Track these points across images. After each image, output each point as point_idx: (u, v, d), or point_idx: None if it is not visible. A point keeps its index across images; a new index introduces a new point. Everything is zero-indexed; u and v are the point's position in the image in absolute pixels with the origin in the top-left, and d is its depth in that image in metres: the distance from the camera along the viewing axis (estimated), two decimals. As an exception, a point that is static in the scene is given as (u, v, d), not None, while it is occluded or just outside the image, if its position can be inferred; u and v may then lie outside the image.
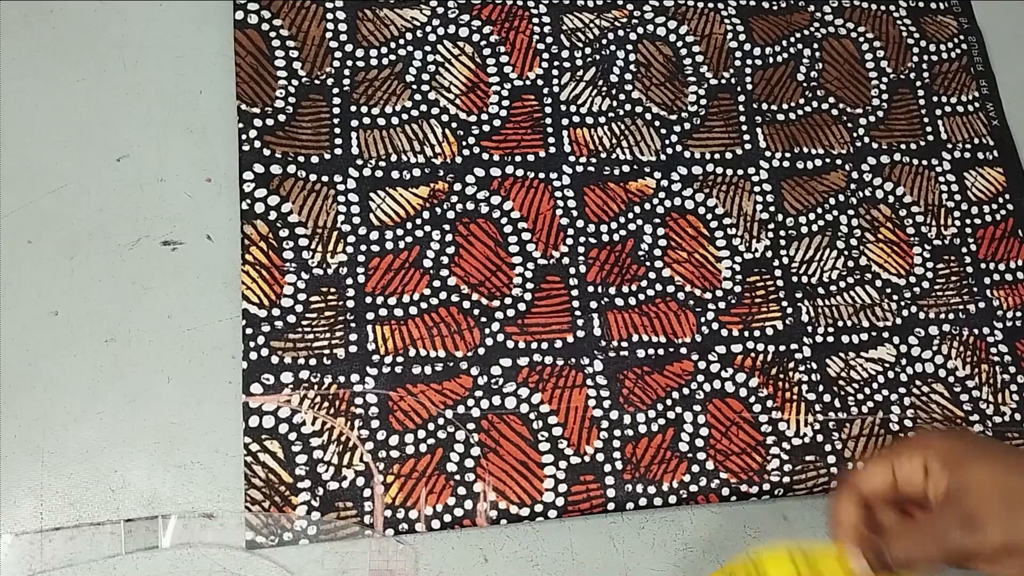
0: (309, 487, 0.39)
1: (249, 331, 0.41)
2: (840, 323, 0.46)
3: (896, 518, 0.34)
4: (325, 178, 0.44)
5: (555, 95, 0.48)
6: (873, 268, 0.48)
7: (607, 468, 0.41)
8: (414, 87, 0.46)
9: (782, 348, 0.45)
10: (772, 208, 0.48)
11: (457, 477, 0.40)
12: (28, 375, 0.39)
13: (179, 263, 0.42)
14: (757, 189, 0.48)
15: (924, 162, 0.51)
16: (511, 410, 0.42)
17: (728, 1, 0.52)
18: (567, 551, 0.41)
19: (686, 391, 0.43)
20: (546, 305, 0.44)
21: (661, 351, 0.44)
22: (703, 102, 0.49)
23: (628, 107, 0.48)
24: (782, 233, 0.47)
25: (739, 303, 0.46)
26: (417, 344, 0.42)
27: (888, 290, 0.47)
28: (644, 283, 0.45)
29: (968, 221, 0.50)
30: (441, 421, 0.41)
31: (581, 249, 0.45)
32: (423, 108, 0.46)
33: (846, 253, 0.48)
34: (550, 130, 0.47)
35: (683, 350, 0.44)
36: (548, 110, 0.47)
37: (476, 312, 0.43)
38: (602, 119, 0.48)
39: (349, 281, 0.42)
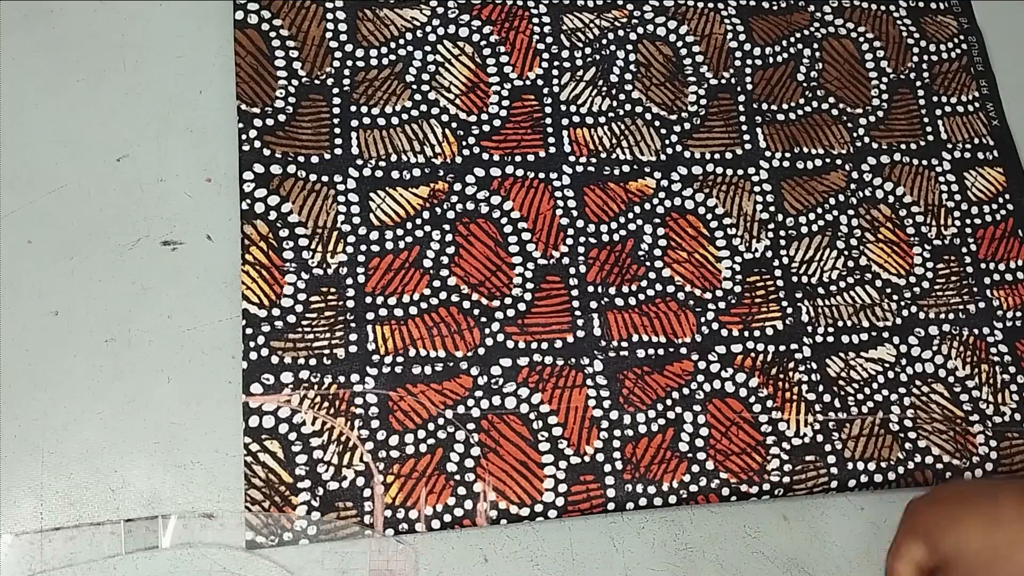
0: (309, 487, 0.39)
1: (249, 331, 0.41)
2: (840, 323, 0.46)
3: None
4: (325, 178, 0.44)
5: (555, 95, 0.48)
6: (873, 268, 0.48)
7: (607, 468, 0.41)
8: (414, 87, 0.46)
9: (782, 348, 0.45)
10: (772, 208, 0.48)
11: (457, 477, 0.40)
12: (28, 375, 0.39)
13: (179, 263, 0.42)
14: (757, 189, 0.48)
15: (924, 162, 0.51)
16: (511, 410, 0.42)
17: (728, 1, 0.52)
18: (567, 551, 0.41)
19: (686, 391, 0.43)
20: (546, 305, 0.44)
21: (661, 351, 0.44)
22: (703, 102, 0.49)
23: (628, 107, 0.48)
24: (782, 233, 0.47)
25: (739, 303, 0.46)
26: (417, 344, 0.42)
27: (888, 290, 0.47)
28: (644, 283, 0.45)
29: (968, 221, 0.50)
30: (441, 421, 0.41)
31: (581, 249, 0.45)
32: (423, 108, 0.46)
33: (846, 253, 0.48)
34: (550, 130, 0.47)
35: (683, 350, 0.44)
36: (548, 110, 0.47)
37: (476, 312, 0.43)
38: (602, 119, 0.48)
39: (349, 281, 0.42)
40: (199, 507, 0.39)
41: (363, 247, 0.43)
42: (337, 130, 0.45)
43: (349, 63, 0.46)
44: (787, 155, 0.49)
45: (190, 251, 0.42)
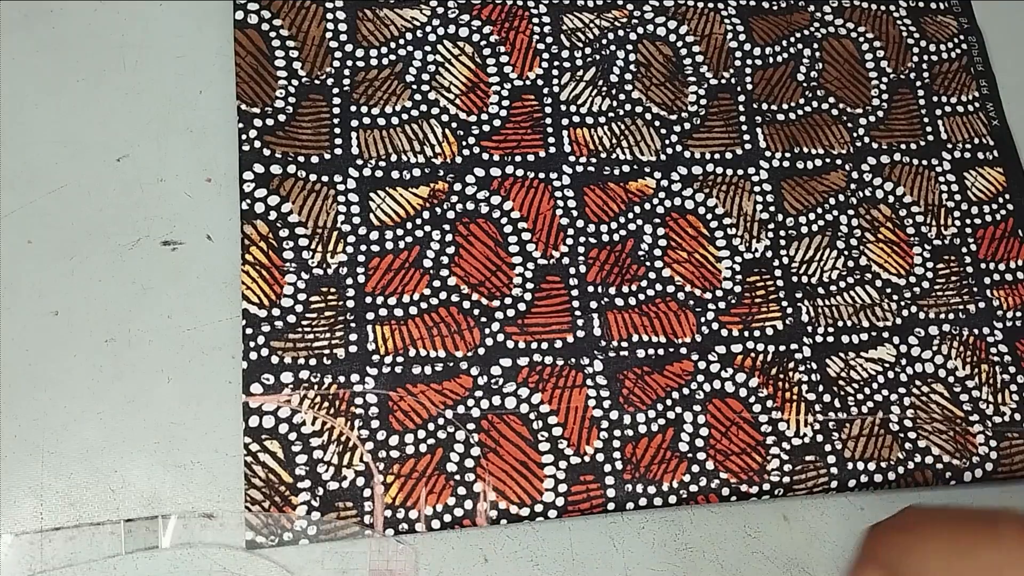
0: (309, 487, 0.39)
1: (249, 331, 0.41)
2: (840, 323, 0.46)
3: None
4: (325, 178, 0.44)
5: (555, 95, 0.48)
6: (873, 268, 0.48)
7: (607, 468, 0.41)
8: (414, 87, 0.46)
9: (782, 348, 0.45)
10: (772, 208, 0.48)
11: (457, 477, 0.40)
12: (28, 375, 0.39)
13: (179, 263, 0.42)
14: (757, 189, 0.48)
15: (924, 162, 0.51)
16: (511, 410, 0.42)
17: (728, 1, 0.52)
18: (567, 551, 0.41)
19: (686, 391, 0.43)
20: (546, 305, 0.44)
21: (661, 351, 0.44)
22: (703, 102, 0.49)
23: (628, 107, 0.48)
24: (782, 233, 0.47)
25: (739, 303, 0.46)
26: (417, 344, 0.42)
27: (888, 290, 0.47)
28: (644, 283, 0.45)
29: (968, 221, 0.50)
30: (441, 421, 0.41)
31: (581, 249, 0.45)
32: (423, 108, 0.46)
33: (846, 253, 0.48)
34: (550, 130, 0.47)
35: (683, 350, 0.44)
36: (548, 110, 0.47)
37: (476, 312, 0.43)
38: (602, 119, 0.48)
39: (349, 281, 0.42)
40: (199, 507, 0.39)
41: (363, 247, 0.43)
42: (337, 130, 0.45)
43: (349, 63, 0.46)
44: (787, 155, 0.49)
45: (190, 251, 0.42)
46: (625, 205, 0.46)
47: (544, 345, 0.43)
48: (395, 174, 0.44)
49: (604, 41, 0.49)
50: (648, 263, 0.45)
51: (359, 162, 0.44)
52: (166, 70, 0.45)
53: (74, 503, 0.38)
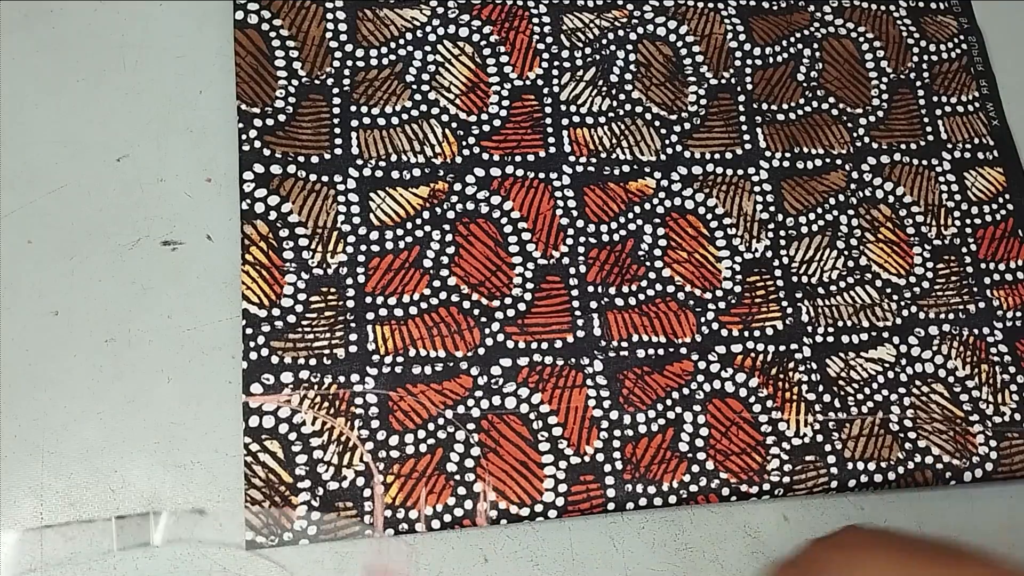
0: (309, 487, 0.39)
1: (249, 331, 0.41)
2: (840, 323, 0.46)
3: None
4: (325, 178, 0.44)
5: (555, 95, 0.48)
6: (873, 268, 0.48)
7: (607, 468, 0.41)
8: (414, 87, 0.46)
9: (782, 348, 0.45)
10: (772, 208, 0.48)
11: (457, 477, 0.40)
12: (28, 375, 0.39)
13: (179, 263, 0.42)
14: (757, 189, 0.48)
15: (924, 162, 0.51)
16: (511, 410, 0.42)
17: (728, 1, 0.52)
18: (567, 551, 0.41)
19: (686, 391, 0.43)
20: (546, 305, 0.44)
21: (661, 351, 0.44)
22: (703, 102, 0.49)
23: (628, 107, 0.48)
24: (782, 233, 0.47)
25: (739, 303, 0.46)
26: (417, 344, 0.42)
27: (888, 290, 0.47)
28: (644, 283, 0.45)
29: (968, 221, 0.50)
30: (441, 421, 0.41)
31: (581, 249, 0.45)
32: (423, 108, 0.46)
33: (846, 253, 0.48)
34: (550, 130, 0.47)
35: (683, 350, 0.44)
36: (548, 110, 0.47)
37: (476, 312, 0.43)
38: (602, 119, 0.48)
39: (349, 281, 0.42)
40: (199, 507, 0.39)
41: (363, 247, 0.43)
42: (337, 130, 0.45)
43: (349, 63, 0.46)
44: (787, 155, 0.49)
45: (190, 251, 0.42)
46: (625, 205, 0.46)
47: (544, 345, 0.43)
48: (395, 174, 0.44)
49: (604, 41, 0.49)
50: (648, 263, 0.45)
51: (359, 162, 0.44)
52: (166, 70, 0.45)
53: (74, 503, 0.38)
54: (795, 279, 0.47)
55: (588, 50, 0.49)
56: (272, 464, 0.39)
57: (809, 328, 0.46)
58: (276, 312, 0.41)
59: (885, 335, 0.46)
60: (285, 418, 0.40)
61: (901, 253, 0.48)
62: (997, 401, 0.46)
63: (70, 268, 0.41)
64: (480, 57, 0.47)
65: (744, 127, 0.49)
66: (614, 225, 0.46)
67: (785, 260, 0.47)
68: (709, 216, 0.47)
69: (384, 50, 0.46)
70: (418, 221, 0.44)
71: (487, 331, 0.43)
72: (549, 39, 0.49)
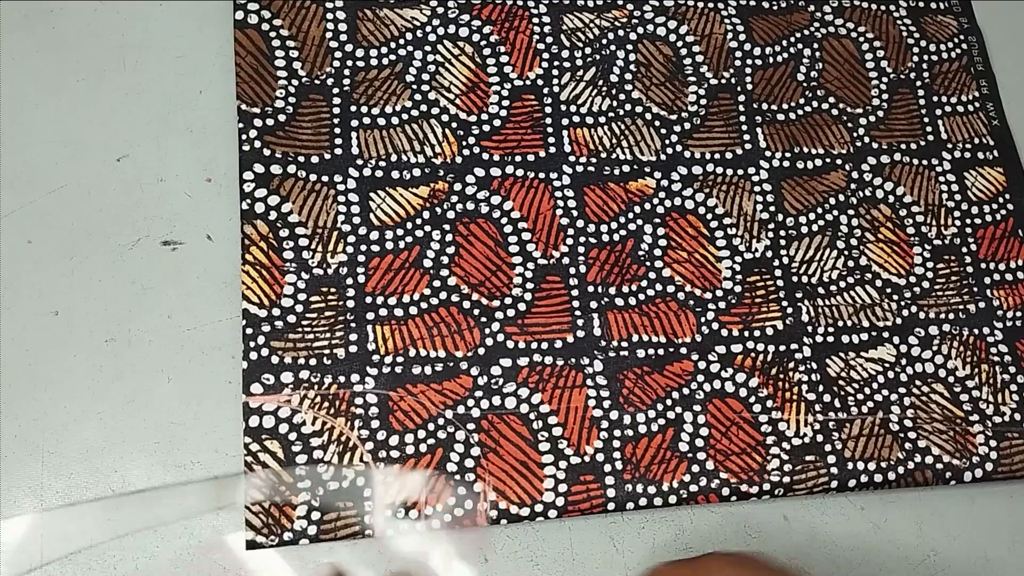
0: (309, 487, 0.39)
1: (249, 331, 0.41)
2: (840, 323, 0.46)
3: None
4: (325, 178, 0.44)
5: (555, 95, 0.48)
6: (873, 268, 0.48)
7: (607, 468, 0.41)
8: (414, 87, 0.46)
9: (782, 348, 0.45)
10: (772, 208, 0.48)
11: (457, 477, 0.40)
12: (28, 375, 0.39)
13: (179, 263, 0.42)
14: (757, 189, 0.48)
15: (924, 162, 0.51)
16: (511, 410, 0.42)
17: (728, 1, 0.52)
18: (567, 551, 0.41)
19: (686, 391, 0.43)
20: (546, 305, 0.44)
21: (661, 351, 0.44)
22: (703, 102, 0.49)
23: (628, 107, 0.48)
24: (782, 233, 0.47)
25: (739, 303, 0.46)
26: (417, 344, 0.42)
27: (888, 290, 0.47)
28: (644, 283, 0.45)
29: (968, 221, 0.50)
30: (441, 421, 0.41)
31: (581, 249, 0.45)
32: (423, 108, 0.46)
33: (846, 253, 0.48)
34: (550, 130, 0.47)
35: (683, 350, 0.44)
36: (548, 110, 0.47)
37: (476, 312, 0.43)
38: (602, 119, 0.48)
39: (349, 281, 0.42)
40: (198, 507, 0.39)
41: (363, 247, 0.43)
42: (337, 130, 0.44)
43: (349, 63, 0.46)
44: (787, 155, 0.49)
45: (190, 251, 0.42)
46: (625, 205, 0.46)
47: (544, 345, 0.43)
48: (395, 174, 0.44)
49: (604, 41, 0.49)
50: (648, 263, 0.45)
51: (359, 162, 0.44)
52: (166, 70, 0.45)
53: (74, 503, 0.38)
54: (795, 279, 0.47)
55: (588, 50, 0.49)
56: (272, 464, 0.39)
57: (809, 328, 0.46)
58: (276, 312, 0.41)
59: (885, 335, 0.46)
60: (285, 418, 0.40)
61: (901, 253, 0.48)
62: (997, 401, 0.46)
63: (70, 268, 0.41)
64: (480, 57, 0.47)
65: (744, 127, 0.49)
66: (614, 225, 0.46)
67: (785, 260, 0.47)
68: (709, 216, 0.47)
69: (384, 50, 0.46)
70: (418, 221, 0.44)
71: (487, 331, 0.43)
72: (549, 39, 0.49)
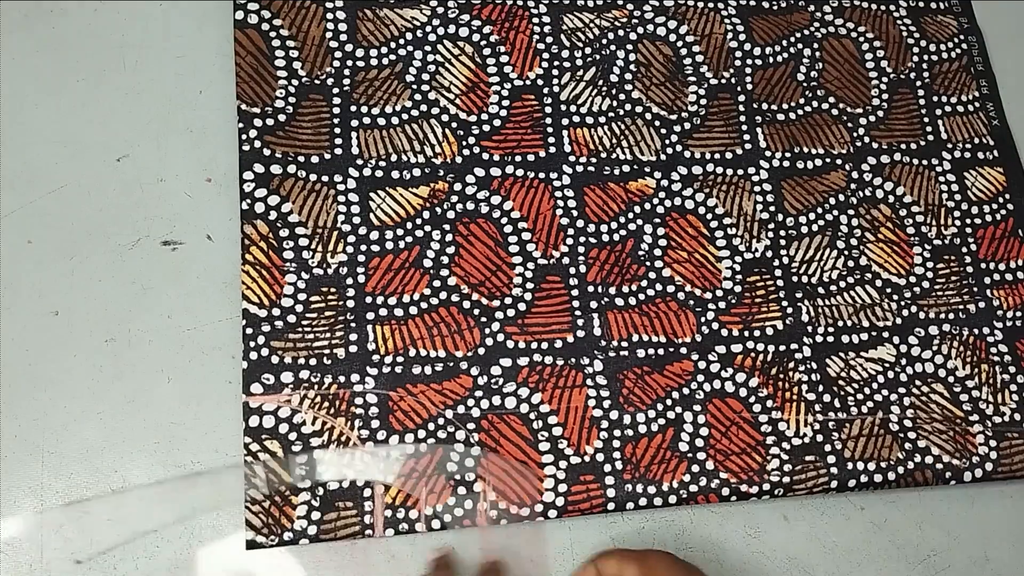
0: (309, 487, 0.39)
1: (249, 331, 0.41)
2: (840, 323, 0.46)
3: None
4: (325, 178, 0.44)
5: (555, 95, 0.48)
6: (873, 268, 0.48)
7: (607, 468, 0.41)
8: (414, 87, 0.46)
9: (782, 348, 0.45)
10: (772, 208, 0.48)
11: (457, 477, 0.40)
12: (28, 375, 0.39)
13: (179, 263, 0.42)
14: (757, 189, 0.48)
15: (924, 162, 0.51)
16: (511, 410, 0.42)
17: (728, 1, 0.52)
18: (567, 551, 0.41)
19: (686, 391, 0.43)
20: (546, 305, 0.44)
21: (661, 351, 0.44)
22: (703, 102, 0.49)
23: (628, 107, 0.48)
24: (782, 233, 0.47)
25: (739, 303, 0.46)
26: (417, 344, 0.42)
27: (888, 290, 0.47)
28: (644, 283, 0.45)
29: (968, 221, 0.50)
30: (441, 421, 0.41)
31: (581, 249, 0.45)
32: (423, 108, 0.46)
33: (846, 253, 0.48)
34: (550, 130, 0.47)
35: (683, 350, 0.44)
36: (548, 110, 0.47)
37: (476, 312, 0.43)
38: (602, 119, 0.48)
39: (349, 281, 0.42)
40: (199, 507, 0.39)
41: (363, 247, 0.43)
42: (337, 130, 0.44)
43: (349, 63, 0.46)
44: (787, 155, 0.49)
45: (190, 251, 0.42)
46: (625, 205, 0.46)
47: (544, 345, 0.43)
48: (395, 174, 0.44)
49: (604, 41, 0.49)
50: (648, 263, 0.45)
51: (359, 162, 0.44)
52: (166, 70, 0.45)
53: (74, 503, 0.38)
54: (795, 279, 0.47)
55: (588, 50, 0.49)
56: (272, 464, 0.39)
57: (809, 328, 0.46)
58: (276, 312, 0.41)
59: (885, 335, 0.46)
60: (285, 418, 0.40)
61: (901, 253, 0.48)
62: (997, 401, 0.46)
63: (70, 268, 0.41)
64: (480, 57, 0.47)
65: (744, 127, 0.49)
66: (614, 225, 0.46)
67: (785, 260, 0.47)
68: (709, 216, 0.47)
69: (384, 50, 0.46)
70: (418, 221, 0.44)
71: (487, 331, 0.43)
72: (549, 39, 0.49)
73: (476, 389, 0.42)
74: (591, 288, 0.44)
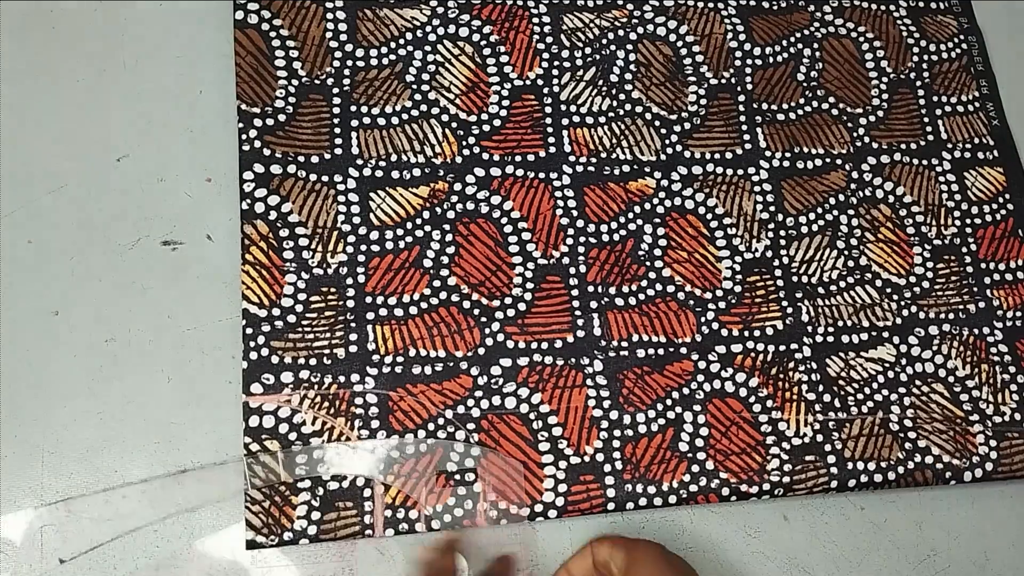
0: (309, 487, 0.39)
1: (249, 331, 0.41)
2: (840, 323, 0.46)
3: None
4: (325, 178, 0.44)
5: (555, 95, 0.48)
6: (873, 268, 0.48)
7: (607, 468, 0.41)
8: (414, 87, 0.46)
9: (782, 348, 0.45)
10: (772, 208, 0.48)
11: (458, 477, 0.40)
12: (28, 375, 0.39)
13: (179, 263, 0.42)
14: (757, 189, 0.48)
15: (924, 162, 0.51)
16: (511, 410, 0.42)
17: (728, 1, 0.52)
18: (567, 551, 0.41)
19: (686, 391, 0.43)
20: (546, 305, 0.44)
21: (661, 351, 0.44)
22: (703, 102, 0.49)
23: (628, 107, 0.48)
24: (782, 233, 0.47)
25: (739, 303, 0.46)
26: (417, 344, 0.42)
27: (888, 290, 0.47)
28: (644, 283, 0.45)
29: (968, 221, 0.50)
30: (441, 421, 0.41)
31: (581, 249, 0.45)
32: (423, 108, 0.46)
33: (846, 253, 0.48)
34: (550, 130, 0.47)
35: (683, 350, 0.44)
36: (548, 110, 0.47)
37: (476, 312, 0.43)
38: (602, 119, 0.48)
39: (349, 281, 0.42)
40: (198, 507, 0.39)
41: (363, 247, 0.43)
42: (337, 130, 0.44)
43: (349, 63, 0.46)
44: (787, 155, 0.49)
45: (190, 251, 0.42)
46: (625, 205, 0.46)
47: (544, 345, 0.43)
48: (395, 174, 0.44)
49: (604, 41, 0.49)
50: (648, 263, 0.45)
51: (359, 162, 0.44)
52: (166, 70, 0.45)
53: (74, 503, 0.38)
54: (795, 279, 0.47)
55: (588, 50, 0.49)
56: (272, 464, 0.39)
57: (809, 328, 0.46)
58: (276, 312, 0.41)
59: (885, 335, 0.46)
60: (285, 418, 0.40)
61: (901, 253, 0.48)
62: (997, 401, 0.46)
63: (70, 268, 0.41)
64: (480, 57, 0.47)
65: (744, 127, 0.49)
66: (614, 225, 0.46)
67: (785, 260, 0.47)
68: (709, 216, 0.47)
69: (384, 50, 0.46)
70: (418, 221, 0.44)
71: (487, 331, 0.43)
72: (549, 39, 0.49)
73: (476, 389, 0.42)
74: (591, 288, 0.44)
